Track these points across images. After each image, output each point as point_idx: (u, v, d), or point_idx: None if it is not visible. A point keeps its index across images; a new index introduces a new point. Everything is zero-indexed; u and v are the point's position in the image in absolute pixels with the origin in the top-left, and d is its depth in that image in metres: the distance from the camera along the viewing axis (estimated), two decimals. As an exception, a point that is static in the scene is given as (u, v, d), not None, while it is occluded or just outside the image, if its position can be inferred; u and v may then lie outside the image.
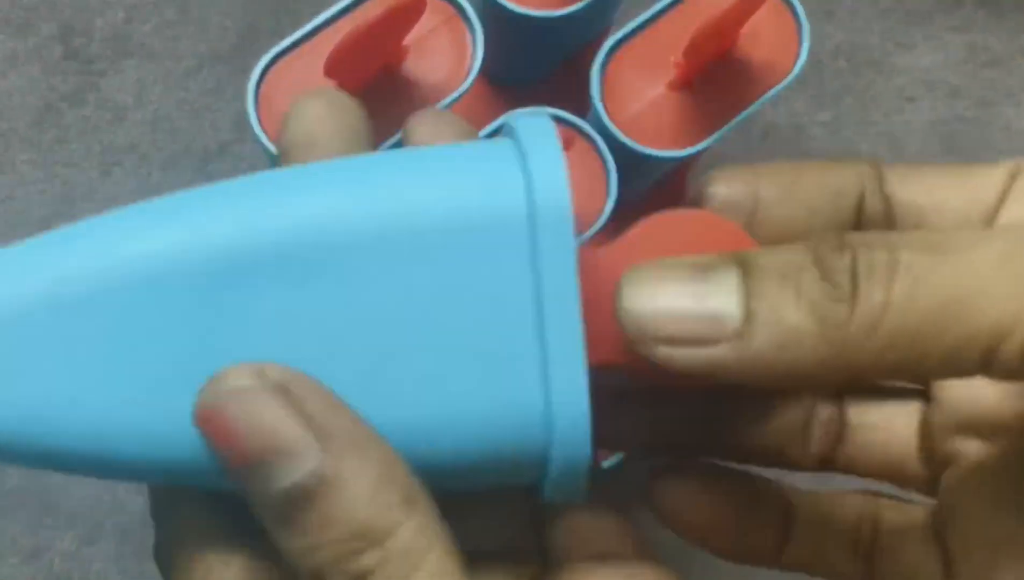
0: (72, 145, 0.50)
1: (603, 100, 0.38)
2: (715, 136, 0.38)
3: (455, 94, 0.37)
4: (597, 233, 0.37)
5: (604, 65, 0.39)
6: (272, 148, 0.36)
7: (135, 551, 0.46)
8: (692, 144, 0.38)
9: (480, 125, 0.38)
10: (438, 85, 0.37)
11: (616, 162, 0.38)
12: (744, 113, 0.38)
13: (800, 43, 0.39)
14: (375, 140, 0.37)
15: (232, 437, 0.22)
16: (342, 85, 0.36)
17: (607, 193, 0.38)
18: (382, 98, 0.37)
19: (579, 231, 0.37)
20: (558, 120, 0.38)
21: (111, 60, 0.51)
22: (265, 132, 0.37)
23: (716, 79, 0.38)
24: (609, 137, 0.38)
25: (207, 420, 0.22)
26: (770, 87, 0.38)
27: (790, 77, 0.38)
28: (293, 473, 0.22)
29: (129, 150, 0.50)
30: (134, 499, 0.47)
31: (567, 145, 0.35)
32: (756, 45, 0.38)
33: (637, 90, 0.39)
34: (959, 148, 0.53)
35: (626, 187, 0.38)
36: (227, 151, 0.51)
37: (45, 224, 0.49)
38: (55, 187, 0.50)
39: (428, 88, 0.37)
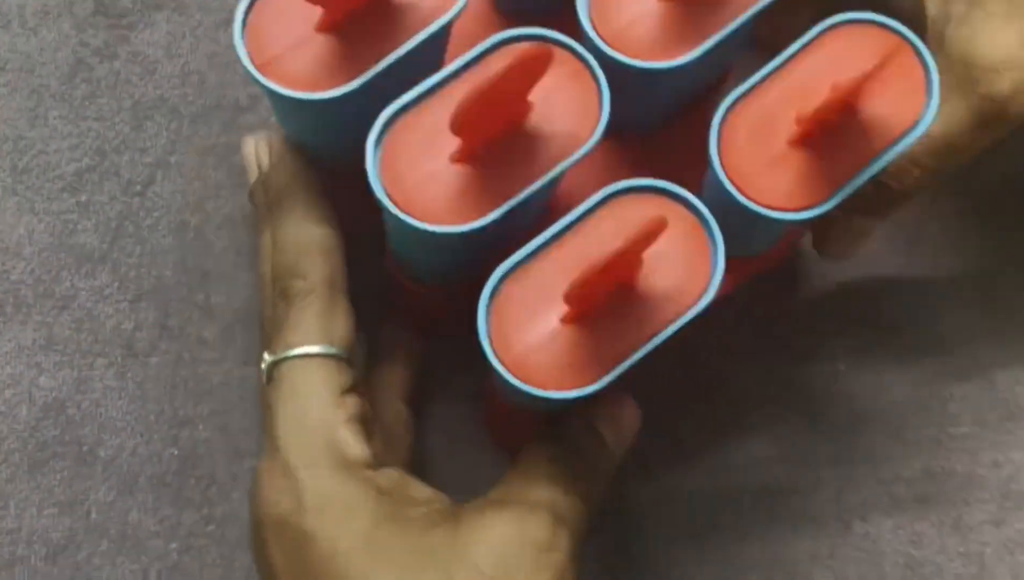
0: (103, 99, 0.50)
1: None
2: (703, 47, 0.37)
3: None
4: (588, 153, 0.36)
5: None
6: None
7: (172, 500, 0.47)
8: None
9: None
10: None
11: (625, 82, 0.37)
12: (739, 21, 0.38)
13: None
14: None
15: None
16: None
17: (599, 113, 0.37)
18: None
19: (570, 151, 0.36)
20: (547, 39, 0.37)
21: (141, 13, 0.51)
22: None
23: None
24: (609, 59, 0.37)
25: None
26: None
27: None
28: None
29: (160, 104, 0.51)
30: (169, 449, 0.47)
31: (548, 61, 0.34)
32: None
33: (628, 2, 0.38)
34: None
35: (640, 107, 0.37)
36: (258, 104, 0.51)
37: (77, 179, 0.49)
38: (87, 141, 0.50)
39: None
